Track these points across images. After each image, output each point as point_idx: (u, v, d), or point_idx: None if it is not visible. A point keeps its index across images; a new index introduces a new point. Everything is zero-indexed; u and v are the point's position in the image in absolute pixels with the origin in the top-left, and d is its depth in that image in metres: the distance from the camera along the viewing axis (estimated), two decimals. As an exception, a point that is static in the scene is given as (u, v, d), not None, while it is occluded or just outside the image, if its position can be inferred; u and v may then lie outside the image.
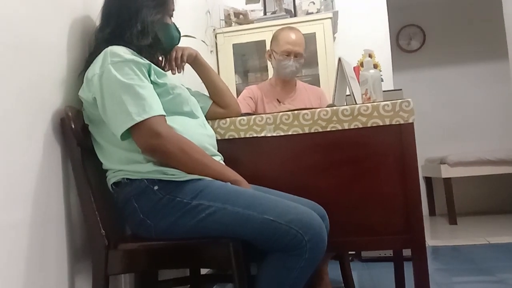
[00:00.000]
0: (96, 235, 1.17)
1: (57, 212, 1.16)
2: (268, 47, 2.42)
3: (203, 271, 1.87)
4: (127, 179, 1.21)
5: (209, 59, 2.76)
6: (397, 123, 1.43)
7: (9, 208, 0.99)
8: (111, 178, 1.24)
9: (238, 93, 2.78)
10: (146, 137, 1.15)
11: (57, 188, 1.17)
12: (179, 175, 1.18)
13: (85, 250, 1.25)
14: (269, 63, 2.78)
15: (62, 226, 1.18)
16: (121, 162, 1.22)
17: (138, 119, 1.14)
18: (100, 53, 1.21)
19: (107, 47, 1.21)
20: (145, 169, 1.19)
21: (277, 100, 2.22)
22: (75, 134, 1.19)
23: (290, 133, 1.49)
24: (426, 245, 1.40)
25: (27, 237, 1.04)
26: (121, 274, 1.41)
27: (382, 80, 1.69)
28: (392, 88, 3.13)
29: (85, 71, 1.24)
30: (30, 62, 1.10)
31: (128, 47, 1.24)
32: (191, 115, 1.34)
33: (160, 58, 1.47)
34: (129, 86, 1.16)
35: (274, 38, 2.27)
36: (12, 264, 0.99)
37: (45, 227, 1.11)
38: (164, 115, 1.20)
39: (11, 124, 1.01)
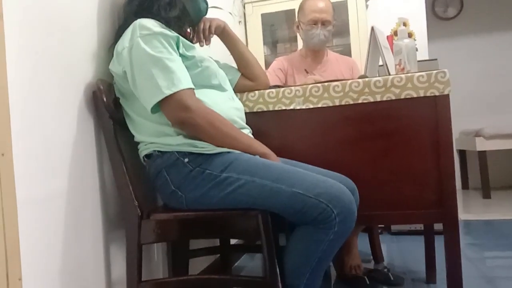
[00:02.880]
0: (130, 205, 1.20)
1: (91, 184, 1.20)
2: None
3: (233, 241, 1.91)
4: (158, 151, 1.22)
5: (237, 30, 2.73)
6: (432, 94, 1.37)
7: (46, 180, 1.03)
8: (143, 151, 1.27)
9: (267, 64, 2.75)
10: (176, 110, 1.16)
11: (91, 160, 1.21)
12: (208, 148, 1.18)
13: (119, 220, 1.30)
14: (298, 35, 2.72)
15: (97, 197, 1.22)
16: (152, 135, 1.24)
17: (168, 92, 1.14)
18: (129, 26, 1.21)
19: (136, 20, 1.21)
20: (176, 142, 1.20)
21: (305, 70, 2.18)
22: (107, 107, 1.21)
23: (319, 105, 1.46)
24: (458, 220, 1.37)
25: (64, 208, 1.08)
26: (154, 243, 1.46)
27: (417, 50, 1.62)
28: (427, 58, 3.02)
29: (115, 44, 1.24)
30: (61, 36, 1.12)
31: (157, 20, 1.24)
32: (220, 88, 1.34)
33: (188, 30, 1.46)
34: (158, 60, 1.16)
35: (300, 8, 2.22)
36: (51, 233, 1.03)
37: (80, 198, 1.15)
38: (193, 88, 1.20)
39: (45, 98, 1.04)
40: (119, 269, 1.29)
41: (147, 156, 1.26)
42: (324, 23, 2.13)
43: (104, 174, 1.25)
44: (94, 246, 1.19)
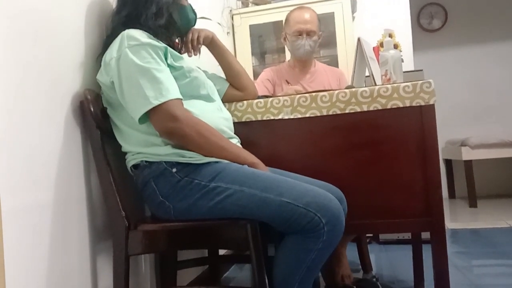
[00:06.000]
0: (117, 216, 1.19)
1: (78, 194, 1.19)
2: (285, 29, 2.39)
3: (221, 252, 1.90)
4: (146, 161, 1.22)
5: (225, 41, 2.74)
6: (418, 104, 1.40)
7: (32, 190, 1.01)
8: (131, 161, 1.26)
9: (255, 75, 2.76)
10: (164, 120, 1.16)
11: (78, 170, 1.20)
12: (196, 158, 1.18)
13: (106, 231, 1.28)
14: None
15: (84, 208, 1.21)
16: (139, 145, 1.24)
17: (156, 102, 1.14)
18: (117, 36, 1.21)
19: (124, 30, 1.21)
20: (164, 152, 1.20)
21: (286, 81, 2.20)
22: (94, 117, 1.20)
23: (307, 115, 1.47)
24: (446, 228, 1.38)
25: (50, 218, 1.07)
26: (141, 254, 1.44)
27: (403, 61, 1.65)
28: (413, 69, 3.06)
29: (103, 54, 1.24)
30: (49, 45, 1.11)
31: (145, 30, 1.24)
32: (208, 98, 1.34)
33: (177, 41, 1.46)
34: (146, 70, 1.16)
35: (286, 20, 2.25)
36: (37, 244, 1.02)
37: (67, 208, 1.13)
38: (181, 99, 1.20)
39: (32, 108, 1.03)
40: (106, 281, 1.27)
41: (135, 166, 1.25)
42: (309, 33, 2.16)
43: (91, 185, 1.24)
44: (80, 257, 1.18)
